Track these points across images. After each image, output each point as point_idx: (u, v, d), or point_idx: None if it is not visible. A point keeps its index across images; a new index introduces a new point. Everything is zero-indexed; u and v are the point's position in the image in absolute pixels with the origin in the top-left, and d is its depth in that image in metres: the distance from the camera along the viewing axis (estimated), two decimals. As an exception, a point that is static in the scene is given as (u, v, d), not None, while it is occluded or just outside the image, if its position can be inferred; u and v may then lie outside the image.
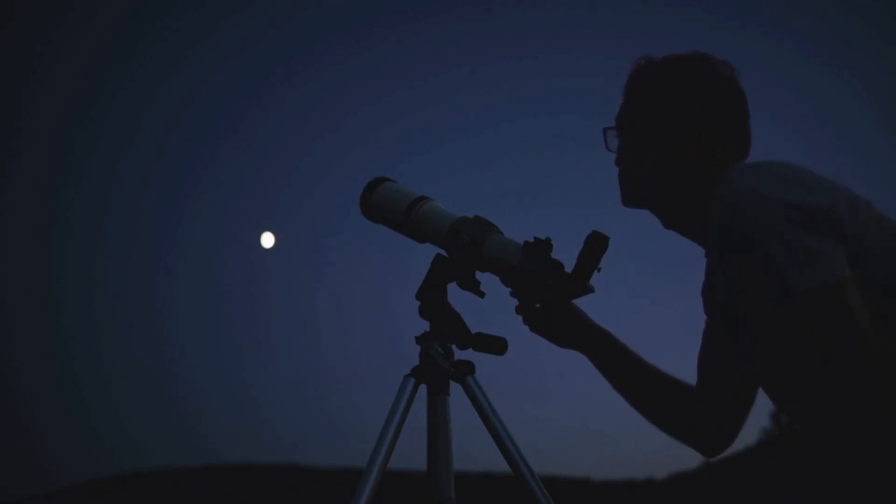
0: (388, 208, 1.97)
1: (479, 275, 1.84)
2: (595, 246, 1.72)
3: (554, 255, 1.74)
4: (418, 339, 1.81)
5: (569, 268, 1.75)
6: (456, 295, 1.85)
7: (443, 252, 1.87)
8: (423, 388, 1.77)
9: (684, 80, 1.77)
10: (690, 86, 1.76)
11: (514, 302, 1.90)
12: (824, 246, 1.43)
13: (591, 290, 1.82)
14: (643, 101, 1.79)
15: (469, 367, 1.79)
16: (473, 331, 1.81)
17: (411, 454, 1.81)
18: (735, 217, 1.48)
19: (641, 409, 1.93)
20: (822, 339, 1.39)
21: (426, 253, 1.90)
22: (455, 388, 1.79)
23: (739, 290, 1.53)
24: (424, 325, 1.83)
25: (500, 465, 1.72)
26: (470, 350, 1.81)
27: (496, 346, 1.80)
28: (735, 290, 1.54)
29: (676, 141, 1.73)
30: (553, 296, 1.83)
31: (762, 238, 1.44)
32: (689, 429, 1.89)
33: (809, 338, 1.40)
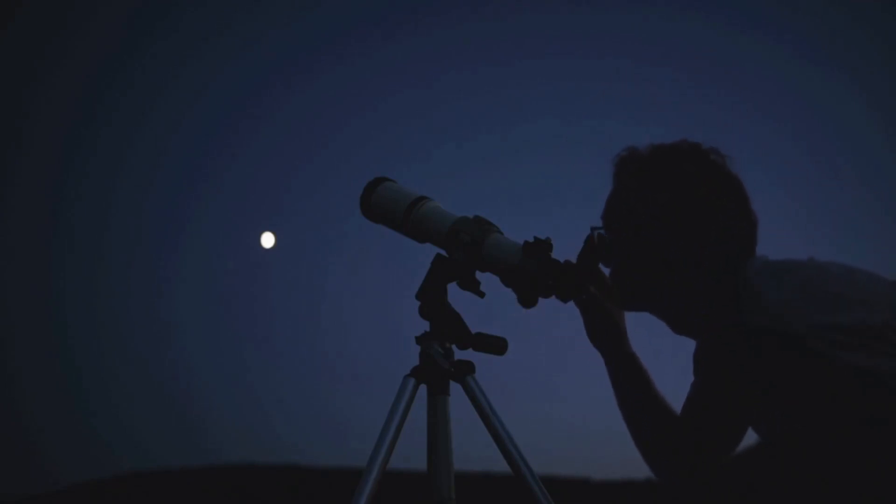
0: (388, 208, 1.96)
1: (479, 275, 1.84)
2: (595, 246, 1.72)
3: (554, 255, 1.74)
4: (418, 339, 1.81)
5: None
6: (456, 295, 1.84)
7: (443, 252, 1.86)
8: (423, 388, 1.77)
9: (676, 170, 1.66)
10: (683, 175, 1.65)
11: (515, 302, 1.89)
12: (884, 362, 1.41)
13: (590, 289, 1.81)
14: (633, 195, 1.70)
15: (469, 367, 1.79)
16: (473, 331, 1.81)
17: (411, 454, 1.80)
18: (776, 327, 1.44)
19: (632, 430, 1.88)
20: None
21: (426, 253, 1.90)
22: (455, 388, 1.79)
23: (777, 380, 1.50)
24: (424, 325, 1.83)
25: (500, 465, 1.72)
26: (470, 350, 1.81)
27: (496, 346, 1.80)
28: (769, 378, 1.51)
29: (673, 235, 1.65)
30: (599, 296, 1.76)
31: (814, 355, 1.41)
32: (666, 465, 1.84)
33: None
